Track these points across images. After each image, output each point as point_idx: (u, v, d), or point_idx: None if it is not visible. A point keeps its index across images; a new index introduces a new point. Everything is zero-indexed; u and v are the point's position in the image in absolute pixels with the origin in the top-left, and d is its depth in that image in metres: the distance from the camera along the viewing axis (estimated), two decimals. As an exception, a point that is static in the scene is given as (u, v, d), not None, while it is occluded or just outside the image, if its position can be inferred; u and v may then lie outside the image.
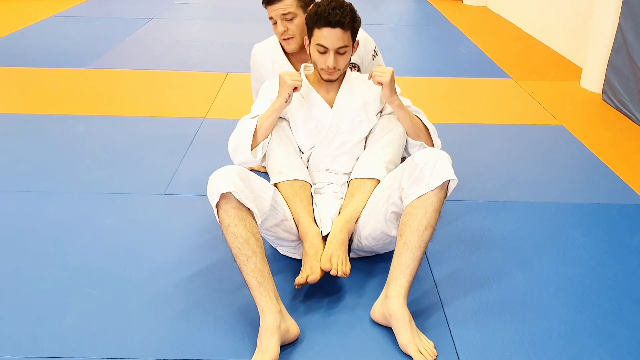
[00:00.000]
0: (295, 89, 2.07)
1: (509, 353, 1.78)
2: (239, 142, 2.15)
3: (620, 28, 3.85)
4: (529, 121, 3.70)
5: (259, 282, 1.77)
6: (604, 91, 4.05)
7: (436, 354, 1.74)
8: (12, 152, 3.11)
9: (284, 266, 2.17)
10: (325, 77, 2.13)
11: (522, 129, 3.59)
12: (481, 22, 6.74)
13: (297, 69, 2.49)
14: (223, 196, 1.79)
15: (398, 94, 2.18)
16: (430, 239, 1.86)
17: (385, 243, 2.11)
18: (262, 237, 1.96)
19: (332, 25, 2.01)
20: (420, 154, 1.92)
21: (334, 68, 2.08)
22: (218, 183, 1.80)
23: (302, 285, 1.92)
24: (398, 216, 1.97)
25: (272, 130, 2.15)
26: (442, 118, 3.60)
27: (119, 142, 3.24)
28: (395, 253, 1.87)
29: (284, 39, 2.45)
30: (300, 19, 2.39)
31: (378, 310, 1.86)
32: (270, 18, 2.44)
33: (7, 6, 6.87)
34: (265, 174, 2.27)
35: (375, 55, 2.62)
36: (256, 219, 1.86)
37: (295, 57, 2.55)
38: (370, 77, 2.14)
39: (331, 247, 1.97)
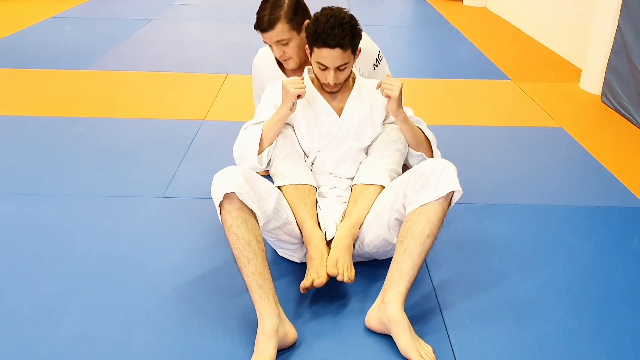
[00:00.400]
0: (299, 96, 2.06)
1: (506, 358, 1.78)
2: (244, 149, 2.14)
3: (619, 30, 3.85)
4: (528, 123, 3.70)
5: (258, 284, 1.77)
6: (603, 93, 4.04)
7: (435, 359, 1.73)
8: (10, 155, 3.11)
9: (285, 270, 2.17)
10: (328, 90, 2.13)
11: (521, 131, 3.58)
12: (481, 23, 6.74)
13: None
14: (227, 196, 1.78)
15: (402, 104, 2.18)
16: (430, 248, 1.86)
17: (387, 250, 2.11)
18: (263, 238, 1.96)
19: (331, 46, 1.97)
20: (427, 163, 1.92)
21: (335, 84, 2.08)
22: (222, 183, 1.80)
23: (307, 289, 1.92)
24: (400, 224, 1.97)
25: (277, 137, 2.14)
26: (441, 120, 3.60)
27: (117, 144, 3.23)
28: (395, 259, 1.86)
29: (283, 60, 2.38)
30: (296, 40, 2.30)
31: (374, 316, 1.85)
32: (265, 42, 2.37)
33: (6, 7, 6.87)
34: (269, 176, 2.26)
35: (378, 62, 2.52)
36: (259, 221, 1.85)
37: (295, 72, 2.45)
38: (379, 86, 2.10)
39: (337, 252, 1.96)
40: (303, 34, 2.26)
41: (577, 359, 1.78)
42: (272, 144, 2.13)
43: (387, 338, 1.82)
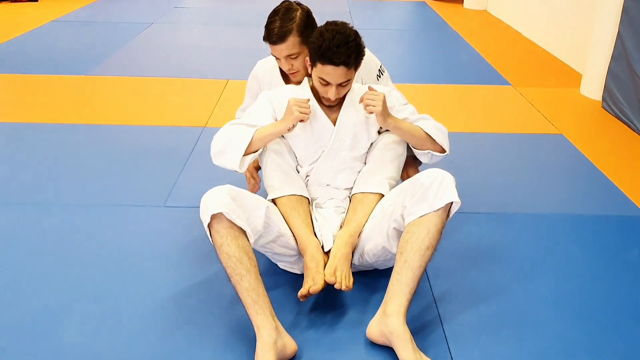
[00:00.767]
0: (301, 120, 2.04)
1: (507, 371, 1.79)
2: (228, 147, 2.08)
3: (619, 36, 3.86)
4: (528, 130, 3.70)
5: (253, 300, 1.78)
6: (603, 99, 4.05)
7: (435, 372, 1.74)
8: (8, 163, 3.10)
9: (283, 280, 2.17)
10: (326, 103, 2.13)
11: (521, 138, 3.59)
12: (481, 27, 6.74)
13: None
14: (214, 217, 1.80)
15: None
16: (430, 260, 1.86)
17: (386, 259, 2.11)
18: (261, 253, 1.95)
19: (337, 64, 1.95)
20: (426, 173, 1.93)
21: (335, 99, 2.08)
22: (208, 204, 1.81)
23: (305, 297, 1.92)
24: (399, 233, 1.98)
25: (263, 146, 2.11)
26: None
27: (117, 152, 3.23)
28: (395, 270, 1.87)
29: (290, 73, 2.30)
30: (305, 54, 2.19)
31: (375, 328, 1.85)
32: (273, 55, 2.29)
33: (5, 11, 6.86)
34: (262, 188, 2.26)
35: (381, 73, 2.45)
36: (249, 238, 1.87)
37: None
38: (361, 101, 2.07)
39: (335, 260, 1.97)
40: None
41: (577, 372, 1.79)
42: (256, 152, 2.10)
43: (388, 350, 1.83)
